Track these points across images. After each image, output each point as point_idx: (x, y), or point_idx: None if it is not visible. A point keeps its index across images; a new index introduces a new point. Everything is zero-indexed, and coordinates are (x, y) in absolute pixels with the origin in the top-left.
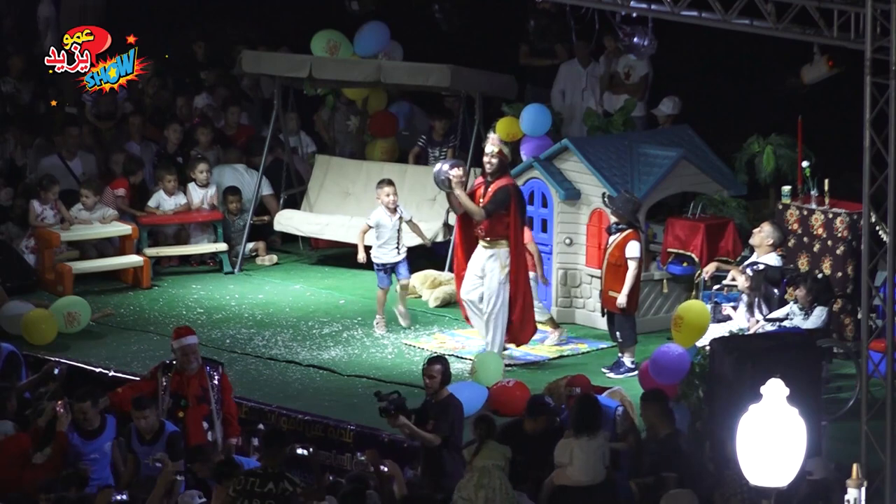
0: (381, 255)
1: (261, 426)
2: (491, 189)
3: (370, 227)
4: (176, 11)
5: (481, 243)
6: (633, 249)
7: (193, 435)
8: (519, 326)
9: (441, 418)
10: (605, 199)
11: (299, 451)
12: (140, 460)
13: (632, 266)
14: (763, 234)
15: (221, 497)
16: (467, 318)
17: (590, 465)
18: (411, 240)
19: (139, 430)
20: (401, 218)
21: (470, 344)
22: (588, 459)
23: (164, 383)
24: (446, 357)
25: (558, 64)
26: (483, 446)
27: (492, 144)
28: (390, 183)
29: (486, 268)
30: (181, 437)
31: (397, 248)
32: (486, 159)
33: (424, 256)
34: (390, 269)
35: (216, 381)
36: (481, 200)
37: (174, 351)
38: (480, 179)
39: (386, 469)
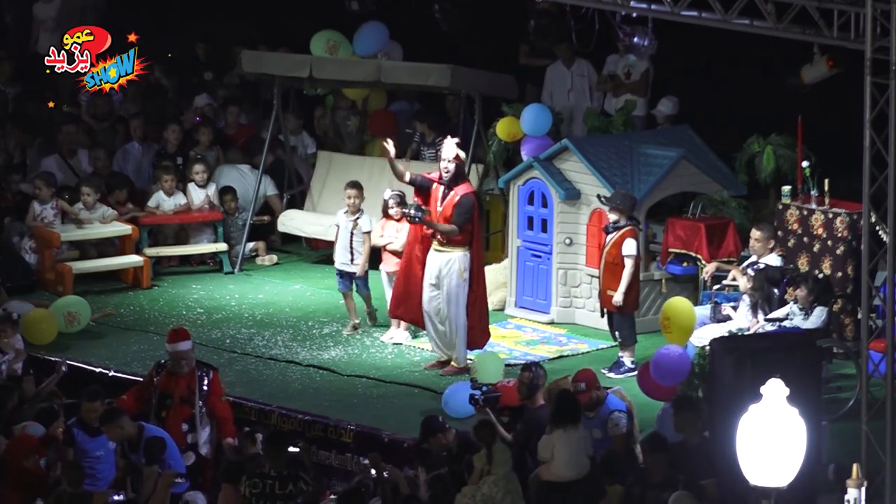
0: (335, 258)
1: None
2: (451, 198)
3: (337, 226)
4: (176, 11)
5: (435, 246)
6: (630, 247)
7: (171, 435)
8: (477, 331)
9: (528, 426)
10: (602, 199)
11: (290, 449)
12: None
13: (628, 264)
14: (759, 244)
15: (229, 496)
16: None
17: (573, 460)
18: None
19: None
20: (356, 223)
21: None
22: (570, 453)
23: (156, 382)
24: (538, 363)
25: None
26: (493, 453)
27: (448, 150)
28: (354, 185)
29: (442, 273)
30: (161, 442)
31: (350, 254)
32: (442, 165)
33: None
34: (346, 275)
35: (205, 385)
36: (439, 204)
37: (168, 353)
38: (436, 181)
39: (387, 475)
